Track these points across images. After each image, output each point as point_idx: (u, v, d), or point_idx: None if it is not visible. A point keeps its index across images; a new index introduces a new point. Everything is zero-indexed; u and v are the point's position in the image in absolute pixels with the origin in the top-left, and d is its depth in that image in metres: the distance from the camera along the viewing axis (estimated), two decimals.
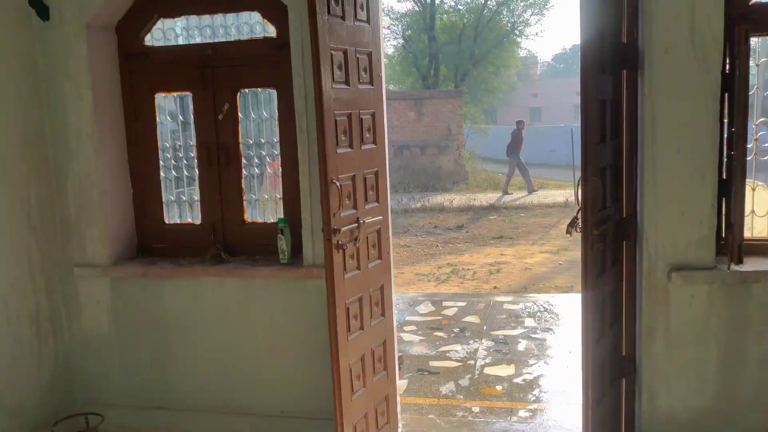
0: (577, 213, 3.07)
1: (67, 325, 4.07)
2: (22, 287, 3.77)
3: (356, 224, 3.41)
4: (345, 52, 3.34)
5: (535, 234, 12.93)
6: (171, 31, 4.01)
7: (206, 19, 3.97)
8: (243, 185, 4.02)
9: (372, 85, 3.60)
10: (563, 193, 17.19)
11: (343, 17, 3.30)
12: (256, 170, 4.07)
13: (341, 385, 3.35)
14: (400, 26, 29.42)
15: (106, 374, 4.06)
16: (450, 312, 6.69)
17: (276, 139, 4.00)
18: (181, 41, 4.03)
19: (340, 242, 3.29)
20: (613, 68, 3.32)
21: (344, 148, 3.35)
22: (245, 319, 3.86)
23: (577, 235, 3.07)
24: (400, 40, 29.39)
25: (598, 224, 3.13)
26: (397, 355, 3.94)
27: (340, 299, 3.32)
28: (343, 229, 3.30)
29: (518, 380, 4.83)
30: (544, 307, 6.75)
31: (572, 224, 3.14)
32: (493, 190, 19.20)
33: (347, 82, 3.37)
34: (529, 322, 6.27)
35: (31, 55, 3.81)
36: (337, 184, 3.27)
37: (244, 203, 4.04)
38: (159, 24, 3.99)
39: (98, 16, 3.82)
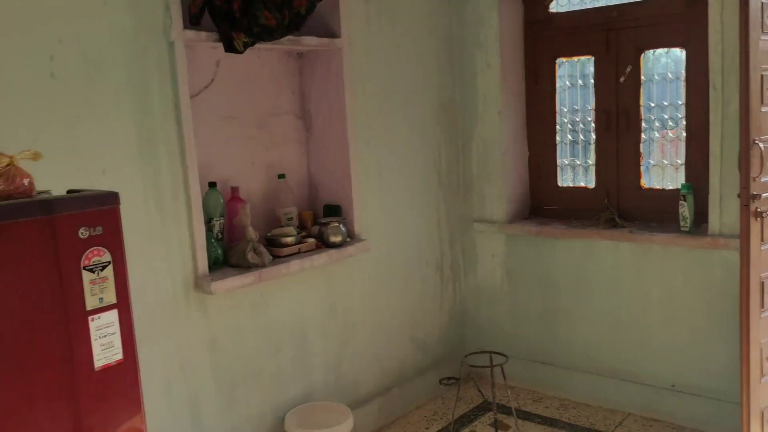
0: None
1: (464, 273, 4.46)
2: (430, 236, 4.23)
3: None
4: None
5: None
6: None
7: None
8: (641, 150, 3.91)
9: None
10: None
11: None
12: (656, 134, 3.92)
13: (750, 366, 3.09)
14: None
15: (497, 323, 4.36)
16: None
17: (680, 101, 3.79)
18: (585, 6, 4.04)
19: (758, 209, 3.01)
20: None
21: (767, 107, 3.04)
22: (639, 285, 3.78)
23: None
24: None
25: None
26: None
27: (754, 272, 3.05)
28: (763, 195, 3.01)
29: None
30: None
31: None
32: None
33: None
34: None
35: (448, 27, 4.21)
36: (760, 145, 2.99)
37: (641, 168, 3.93)
38: None
39: None
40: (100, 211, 1.83)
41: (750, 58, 2.90)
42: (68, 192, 1.94)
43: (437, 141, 4.22)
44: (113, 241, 1.85)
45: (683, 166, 3.81)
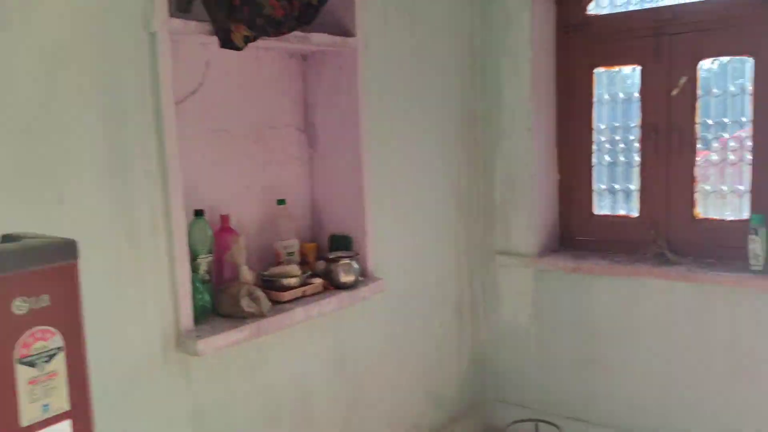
0: None
1: (484, 314, 3.87)
2: (449, 272, 3.64)
3: None
4: None
5: None
6: None
7: None
8: (696, 174, 3.38)
9: None
10: None
11: None
12: (715, 156, 3.39)
13: None
14: None
15: (522, 373, 3.77)
16: None
17: (745, 118, 3.27)
18: (631, 7, 3.51)
19: None
20: None
21: None
22: (698, 333, 3.23)
23: None
24: None
25: None
26: None
27: None
28: None
29: None
30: None
31: None
32: None
33: None
34: None
35: (471, 30, 3.65)
36: None
37: (695, 195, 3.40)
38: None
39: None
40: (48, 271, 1.20)
41: None
42: (1, 238, 1.30)
43: (457, 160, 3.64)
44: (67, 316, 1.22)
45: (747, 194, 3.28)
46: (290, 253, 2.90)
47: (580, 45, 3.63)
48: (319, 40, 2.74)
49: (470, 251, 3.76)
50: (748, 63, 3.21)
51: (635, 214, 3.59)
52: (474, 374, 3.85)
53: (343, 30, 2.89)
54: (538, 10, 3.55)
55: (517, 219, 3.69)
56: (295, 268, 2.75)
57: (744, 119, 3.28)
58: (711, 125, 3.38)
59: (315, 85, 3.05)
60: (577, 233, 3.77)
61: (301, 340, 2.80)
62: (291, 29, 2.49)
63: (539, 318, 3.69)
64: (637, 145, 3.55)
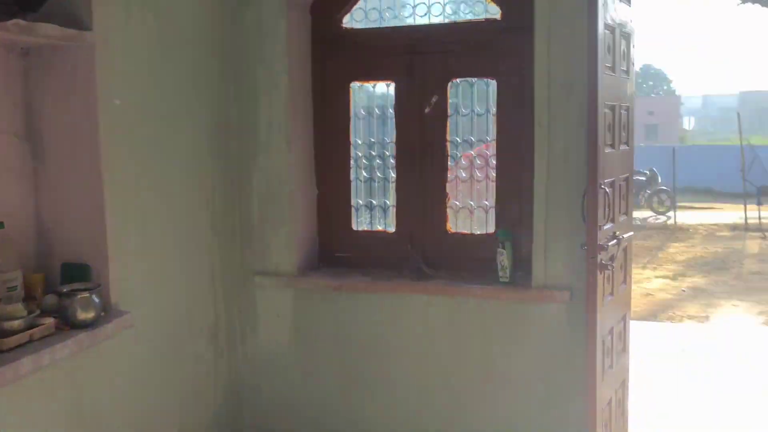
0: None
1: (241, 340, 3.60)
2: (204, 297, 3.32)
3: (615, 241, 2.84)
4: (612, 30, 2.79)
5: (643, 257, 12.04)
6: (374, 12, 3.52)
7: None
8: (448, 190, 3.49)
9: (627, 75, 3.04)
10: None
11: None
12: (463, 173, 3.53)
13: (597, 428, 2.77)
14: None
15: (285, 399, 3.58)
16: None
17: (490, 138, 3.46)
18: (385, 23, 3.53)
19: (602, 261, 2.73)
20: None
21: (608, 148, 2.79)
22: (455, 345, 3.31)
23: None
24: None
25: None
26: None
27: (599, 331, 2.75)
28: (609, 245, 2.74)
29: None
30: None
31: None
32: None
33: (613, 69, 2.82)
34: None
35: (223, 35, 3.37)
36: (607, 190, 2.71)
37: (448, 211, 3.51)
38: (361, 2, 3.51)
39: None
40: None
41: (599, 93, 2.61)
42: None
43: (211, 175, 3.34)
44: None
45: (492, 209, 3.47)
46: (11, 288, 2.37)
47: (337, 58, 3.57)
48: (47, 31, 2.28)
49: (227, 273, 3.47)
50: (492, 85, 3.39)
51: (392, 229, 3.61)
52: (233, 405, 3.56)
53: (78, 22, 2.45)
54: (293, 20, 3.40)
55: (276, 237, 3.49)
56: (19, 308, 2.24)
57: (489, 138, 3.46)
58: (460, 143, 3.51)
59: (41, 86, 2.55)
60: (337, 249, 3.68)
61: (30, 397, 2.29)
62: (10, 16, 2.02)
63: (302, 340, 3.53)
64: (393, 161, 3.58)
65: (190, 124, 3.17)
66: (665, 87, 58.13)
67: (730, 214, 16.10)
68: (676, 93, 56.89)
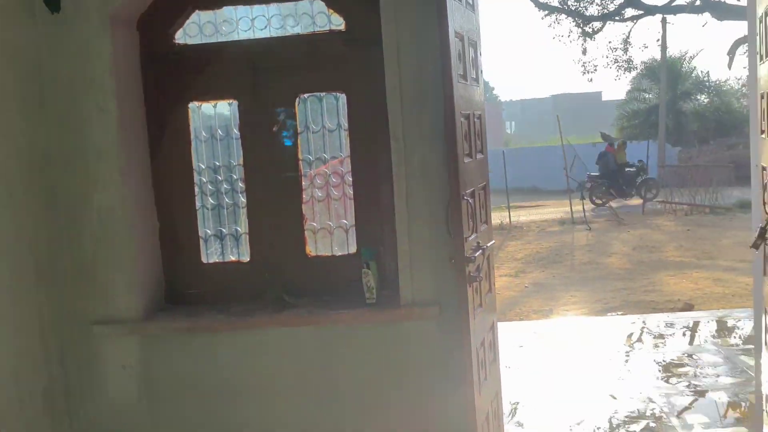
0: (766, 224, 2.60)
1: (82, 401, 3.16)
2: (32, 357, 2.88)
3: (480, 251, 2.80)
4: (461, 38, 2.75)
5: None
6: (209, 26, 3.26)
7: (257, 9, 3.24)
8: (304, 212, 3.30)
9: (477, 83, 3.02)
10: (497, 215, 16.98)
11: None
12: (319, 193, 3.35)
13: None
14: None
15: None
16: None
17: (343, 153, 3.32)
18: (222, 38, 3.27)
19: (471, 273, 2.67)
20: None
21: (466, 158, 2.74)
22: (326, 377, 3.11)
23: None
24: None
25: None
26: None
27: (474, 345, 2.69)
28: (476, 256, 2.68)
29: None
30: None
31: (762, 236, 2.65)
32: None
33: (465, 77, 2.78)
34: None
35: (38, 56, 2.96)
36: (469, 201, 2.65)
37: (306, 233, 3.31)
38: (194, 17, 3.24)
39: (123, 6, 3.03)
40: None
41: (455, 102, 2.54)
42: None
43: (33, 213, 2.91)
44: None
45: (353, 228, 3.32)
46: None
47: (172, 77, 3.26)
48: None
49: (60, 325, 3.04)
50: (342, 99, 3.26)
51: (247, 258, 3.36)
52: None
53: None
54: (119, 37, 3.06)
55: (114, 279, 3.11)
56: None
57: (342, 155, 3.32)
58: (313, 161, 3.34)
59: None
60: (186, 286, 3.36)
61: None
62: None
63: (153, 393, 3.16)
64: (242, 185, 3.33)
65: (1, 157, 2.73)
66: (487, 94, 61.71)
67: (557, 209, 17.25)
68: (499, 99, 60.54)
